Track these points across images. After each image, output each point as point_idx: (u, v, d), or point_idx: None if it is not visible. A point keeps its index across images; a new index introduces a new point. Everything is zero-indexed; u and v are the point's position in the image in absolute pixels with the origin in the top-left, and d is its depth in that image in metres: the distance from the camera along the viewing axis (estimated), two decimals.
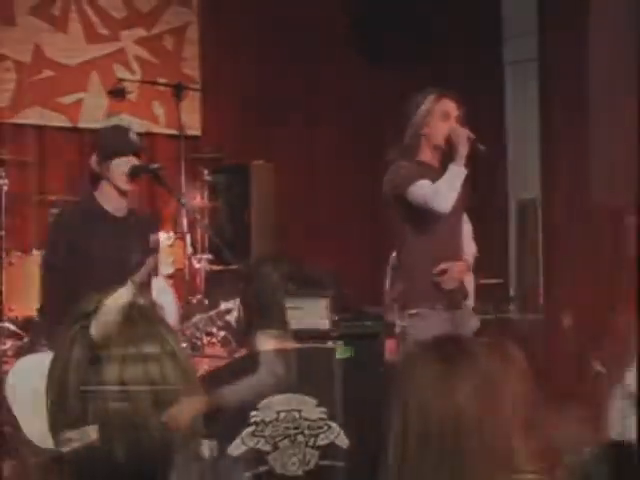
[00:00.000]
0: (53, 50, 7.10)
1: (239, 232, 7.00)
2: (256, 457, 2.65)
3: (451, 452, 1.74)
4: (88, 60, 7.22)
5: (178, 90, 6.40)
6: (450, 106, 4.36)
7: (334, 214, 7.85)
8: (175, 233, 6.48)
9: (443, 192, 4.20)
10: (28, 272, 5.74)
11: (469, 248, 4.81)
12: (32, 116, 6.98)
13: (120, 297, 1.60)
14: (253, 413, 2.70)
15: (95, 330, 1.57)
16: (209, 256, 6.71)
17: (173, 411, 3.23)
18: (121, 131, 4.42)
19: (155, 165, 4.45)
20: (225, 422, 3.02)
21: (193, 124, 7.57)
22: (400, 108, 4.43)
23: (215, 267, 6.68)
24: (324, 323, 4.59)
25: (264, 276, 3.05)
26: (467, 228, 4.85)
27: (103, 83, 7.11)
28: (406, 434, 1.78)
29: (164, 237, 6.41)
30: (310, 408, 2.75)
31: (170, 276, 6.31)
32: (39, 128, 7.05)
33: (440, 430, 1.74)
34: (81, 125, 7.17)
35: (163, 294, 5.66)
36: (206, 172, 6.85)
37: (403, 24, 7.81)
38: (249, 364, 3.10)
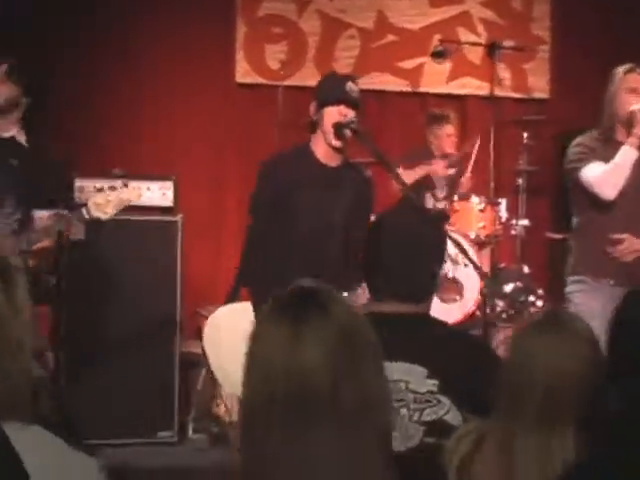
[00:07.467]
0: (396, 15, 7.19)
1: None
2: None
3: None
4: (431, 24, 7.20)
5: (492, 50, 6.17)
6: (638, 80, 4.20)
7: None
8: (487, 197, 6.22)
9: (608, 179, 4.12)
10: None
11: None
12: (374, 81, 7.13)
13: None
14: None
15: None
16: (526, 222, 6.40)
17: None
18: (338, 79, 4.23)
19: (352, 120, 4.04)
20: None
21: (541, 86, 7.25)
22: None
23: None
24: None
25: None
26: None
27: None
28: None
29: (475, 201, 6.19)
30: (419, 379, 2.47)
31: (479, 242, 6.09)
32: (380, 93, 7.18)
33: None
34: (422, 90, 7.18)
35: None
36: (526, 135, 6.49)
37: None
38: None
